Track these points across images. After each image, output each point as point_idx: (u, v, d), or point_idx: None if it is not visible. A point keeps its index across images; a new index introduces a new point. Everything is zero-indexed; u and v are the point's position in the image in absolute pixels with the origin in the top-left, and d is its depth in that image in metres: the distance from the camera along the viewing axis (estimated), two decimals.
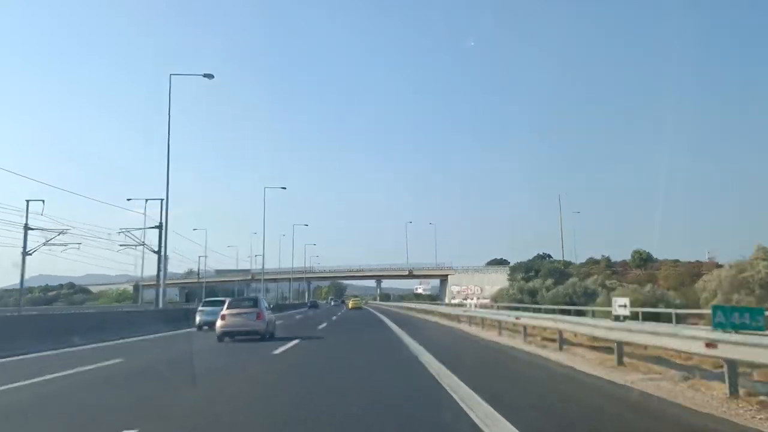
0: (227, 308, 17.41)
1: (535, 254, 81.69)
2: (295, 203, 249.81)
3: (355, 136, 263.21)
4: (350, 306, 68.13)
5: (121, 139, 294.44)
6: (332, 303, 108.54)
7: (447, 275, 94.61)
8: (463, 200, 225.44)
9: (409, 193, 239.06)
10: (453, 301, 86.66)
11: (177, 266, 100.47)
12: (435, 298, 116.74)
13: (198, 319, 23.96)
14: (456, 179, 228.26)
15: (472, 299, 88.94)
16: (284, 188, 64.60)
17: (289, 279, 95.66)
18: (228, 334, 16.97)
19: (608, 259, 79.45)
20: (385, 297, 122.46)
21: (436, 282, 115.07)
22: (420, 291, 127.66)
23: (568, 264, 79.78)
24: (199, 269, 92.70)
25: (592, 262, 78.71)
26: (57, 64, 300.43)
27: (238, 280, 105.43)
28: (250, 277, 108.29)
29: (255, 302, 18.33)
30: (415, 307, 53.28)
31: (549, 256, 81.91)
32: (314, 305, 76.95)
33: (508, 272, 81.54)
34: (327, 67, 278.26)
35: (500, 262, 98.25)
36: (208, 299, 29.46)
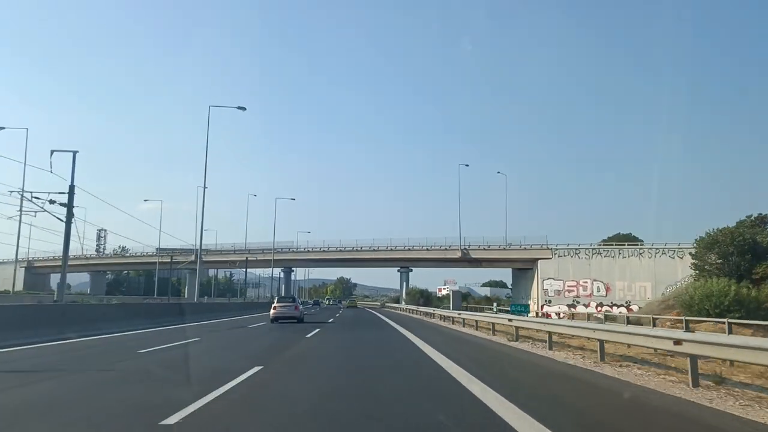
0: (277, 302, 28.09)
1: (742, 218, 38.45)
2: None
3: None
4: (347, 305, 76.34)
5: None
6: (329, 303, 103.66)
7: (536, 260, 50.82)
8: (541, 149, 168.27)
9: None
10: (549, 308, 44.23)
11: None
12: (495, 300, 73.90)
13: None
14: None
15: (587, 306, 45.89)
16: None
17: (246, 259, 53.20)
18: (277, 319, 26.49)
19: None
20: (420, 297, 74.39)
21: (487, 273, 72.63)
22: (445, 292, 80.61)
23: None
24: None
25: None
26: None
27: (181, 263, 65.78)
28: (192, 258, 69.58)
29: (293, 299, 29.52)
30: None
31: None
32: (317, 303, 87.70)
33: (692, 251, 38.59)
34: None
35: (626, 238, 54.83)
36: (281, 296, 42.11)
